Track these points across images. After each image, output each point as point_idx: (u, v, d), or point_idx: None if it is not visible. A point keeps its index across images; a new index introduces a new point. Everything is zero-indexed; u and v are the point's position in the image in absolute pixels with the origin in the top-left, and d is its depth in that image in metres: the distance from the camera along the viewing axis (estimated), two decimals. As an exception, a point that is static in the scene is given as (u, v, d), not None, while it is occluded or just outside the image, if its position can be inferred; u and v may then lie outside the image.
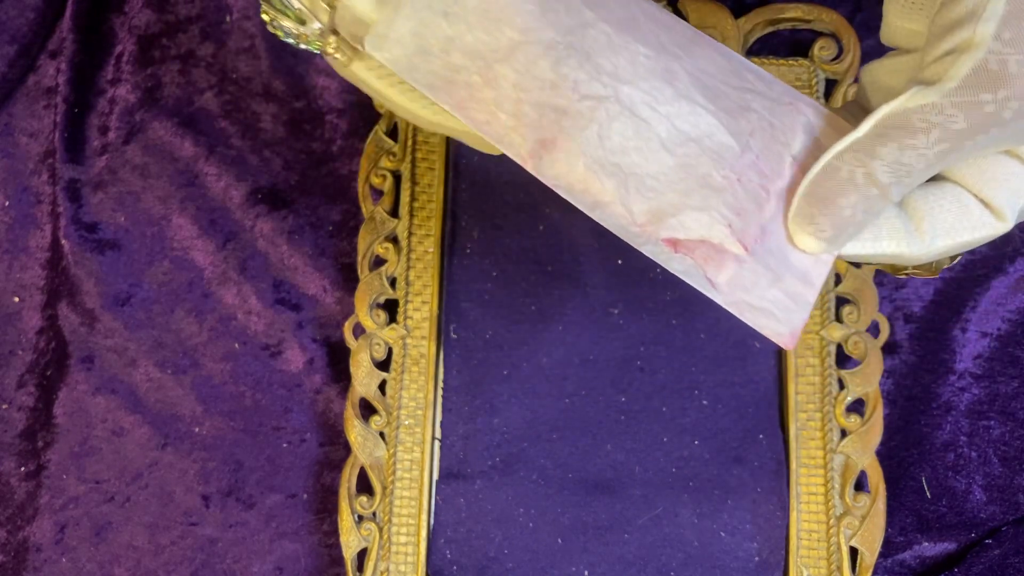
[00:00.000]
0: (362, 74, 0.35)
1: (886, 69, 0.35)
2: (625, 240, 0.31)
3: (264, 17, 0.35)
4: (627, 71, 0.31)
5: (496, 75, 0.31)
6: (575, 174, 0.31)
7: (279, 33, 0.35)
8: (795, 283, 0.32)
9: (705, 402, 0.52)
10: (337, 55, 0.35)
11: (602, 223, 0.31)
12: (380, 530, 0.51)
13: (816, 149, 0.33)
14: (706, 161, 0.31)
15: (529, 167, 0.31)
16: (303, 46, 0.35)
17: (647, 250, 0.31)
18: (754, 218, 0.31)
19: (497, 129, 0.31)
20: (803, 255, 0.32)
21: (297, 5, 0.34)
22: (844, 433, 0.51)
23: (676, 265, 0.31)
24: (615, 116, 0.31)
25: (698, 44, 0.33)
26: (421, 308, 0.53)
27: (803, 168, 0.32)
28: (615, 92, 0.31)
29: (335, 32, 0.35)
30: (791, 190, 0.32)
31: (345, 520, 0.51)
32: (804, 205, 0.31)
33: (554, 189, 0.31)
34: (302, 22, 0.34)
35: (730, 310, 0.31)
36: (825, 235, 0.32)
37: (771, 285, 0.31)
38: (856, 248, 0.33)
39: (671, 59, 0.32)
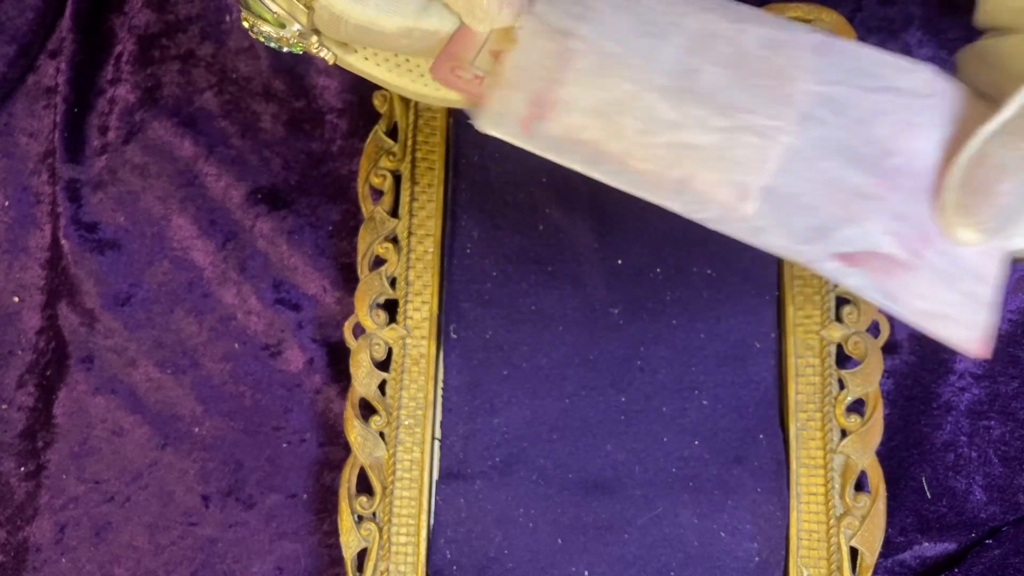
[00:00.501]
0: (357, 64, 0.36)
1: (997, 50, 0.33)
2: (796, 262, 0.31)
3: (244, 24, 0.35)
4: (746, 101, 0.31)
5: (618, 127, 0.31)
6: (725, 204, 0.31)
7: (260, 38, 0.35)
8: (971, 283, 0.31)
9: (705, 402, 0.52)
10: (321, 54, 0.35)
11: (766, 248, 0.31)
12: (380, 530, 0.51)
13: (963, 138, 0.31)
14: (853, 173, 0.31)
15: (677, 208, 0.31)
16: (286, 49, 0.35)
17: (821, 268, 0.30)
18: (915, 222, 0.31)
19: (632, 177, 0.31)
20: (972, 252, 0.31)
21: (275, 9, 0.34)
22: (844, 433, 0.51)
23: (852, 281, 0.30)
24: (750, 143, 0.31)
25: (819, 53, 0.33)
26: (421, 308, 0.53)
27: (950, 160, 0.31)
28: (745, 121, 0.31)
29: (316, 32, 0.35)
30: (942, 184, 0.31)
31: (345, 520, 0.51)
32: (958, 197, 0.30)
33: (702, 223, 0.31)
34: (282, 26, 0.34)
35: (913, 322, 0.30)
36: (988, 226, 0.30)
37: (948, 289, 0.30)
38: (1017, 242, 0.31)
39: (787, 83, 0.32)
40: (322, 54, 0.35)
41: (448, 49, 0.34)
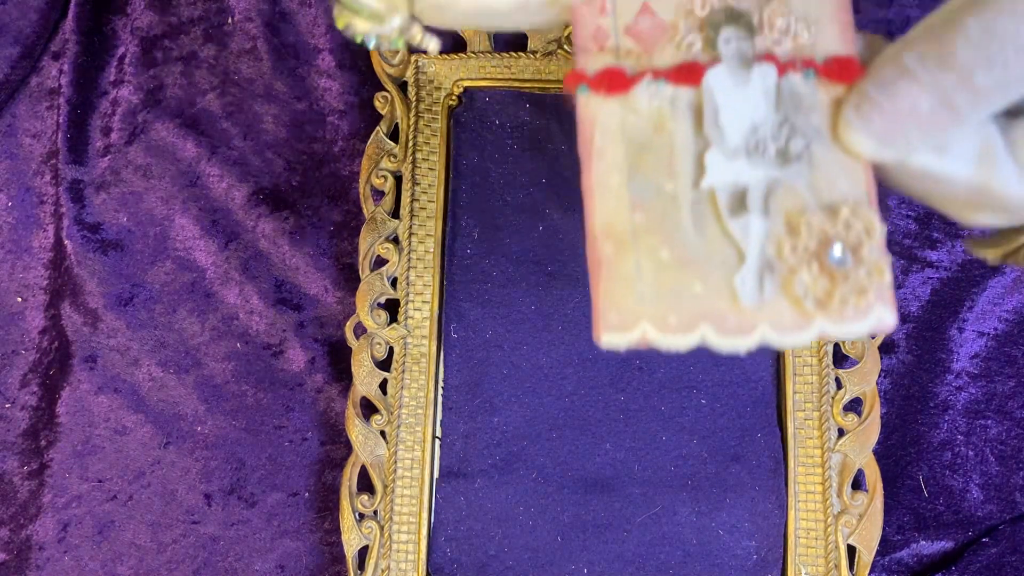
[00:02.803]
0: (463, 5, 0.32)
1: None
2: None
3: (338, 24, 0.32)
4: None
5: None
6: None
7: (358, 38, 0.32)
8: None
9: (703, 401, 0.52)
10: (425, 45, 0.32)
11: None
12: (381, 528, 0.51)
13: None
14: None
15: None
16: (385, 46, 0.33)
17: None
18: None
19: None
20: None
21: (373, 4, 0.31)
22: (842, 432, 0.51)
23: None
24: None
25: None
26: (422, 308, 0.53)
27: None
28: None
29: (417, 21, 0.32)
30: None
31: (346, 518, 0.51)
32: (856, 95, 0.27)
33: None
34: (380, 21, 0.32)
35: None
36: (876, 128, 0.27)
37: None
38: (920, 159, 0.27)
39: None
40: (427, 45, 0.33)
41: (575, 44, 0.31)
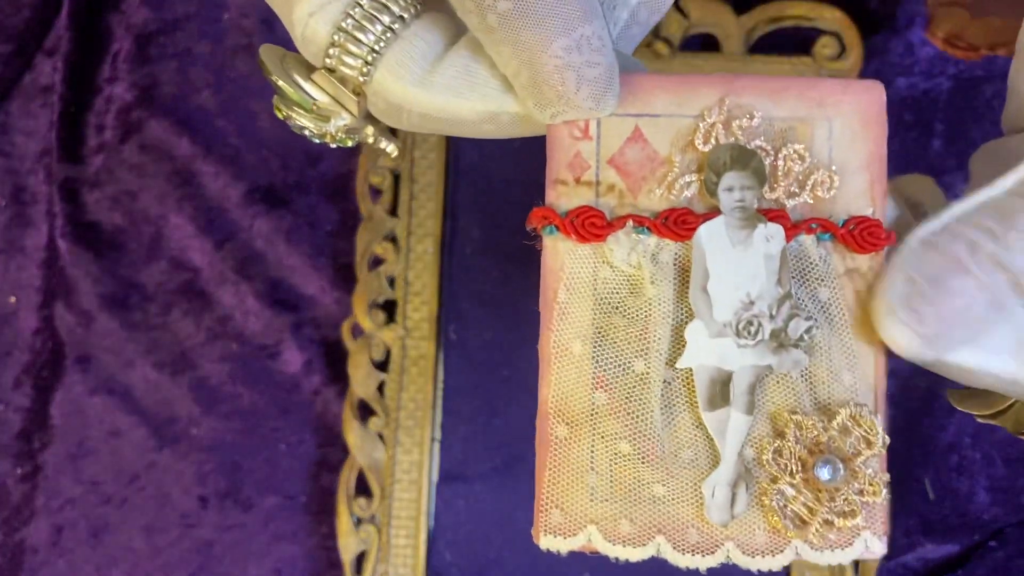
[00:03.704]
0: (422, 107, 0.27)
1: (1008, 144, 0.27)
2: None
3: (278, 113, 0.29)
4: None
5: None
6: None
7: (302, 132, 0.29)
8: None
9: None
10: (382, 146, 0.29)
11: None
12: (379, 532, 0.51)
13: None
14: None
15: None
16: (334, 145, 0.29)
17: None
18: None
19: None
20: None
21: (317, 96, 0.27)
22: (847, 434, 0.50)
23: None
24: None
25: None
26: (420, 308, 0.53)
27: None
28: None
29: (372, 121, 0.28)
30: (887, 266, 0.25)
31: (343, 523, 0.51)
32: (901, 283, 0.24)
33: None
34: (325, 119, 0.28)
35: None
36: (927, 330, 0.23)
37: None
38: (956, 357, 0.24)
39: None
40: (384, 148, 0.29)
41: (548, 171, 0.26)
